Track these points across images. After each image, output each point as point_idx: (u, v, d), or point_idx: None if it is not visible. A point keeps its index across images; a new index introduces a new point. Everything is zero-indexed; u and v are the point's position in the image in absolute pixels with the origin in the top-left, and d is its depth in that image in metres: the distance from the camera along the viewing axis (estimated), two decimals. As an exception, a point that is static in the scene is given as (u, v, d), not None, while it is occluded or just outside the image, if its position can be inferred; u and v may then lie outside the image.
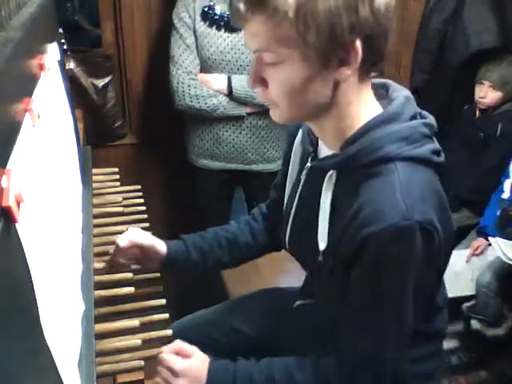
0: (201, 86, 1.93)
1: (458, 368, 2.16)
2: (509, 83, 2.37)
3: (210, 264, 1.24)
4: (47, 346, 0.62)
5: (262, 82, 0.89)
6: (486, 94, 2.39)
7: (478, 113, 2.48)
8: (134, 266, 1.21)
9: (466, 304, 2.17)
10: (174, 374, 1.00)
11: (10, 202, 0.52)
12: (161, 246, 1.19)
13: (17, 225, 0.55)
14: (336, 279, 0.95)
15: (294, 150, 1.10)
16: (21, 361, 0.52)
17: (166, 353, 1.02)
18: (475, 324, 2.13)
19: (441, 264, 0.96)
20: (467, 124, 2.49)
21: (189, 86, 1.93)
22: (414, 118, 0.93)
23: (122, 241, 1.16)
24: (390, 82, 0.99)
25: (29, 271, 0.58)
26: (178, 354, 1.02)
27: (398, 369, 0.96)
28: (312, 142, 1.02)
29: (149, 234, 1.21)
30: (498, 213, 2.23)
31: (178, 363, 1.00)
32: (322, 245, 0.96)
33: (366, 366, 0.93)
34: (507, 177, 2.32)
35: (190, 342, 1.05)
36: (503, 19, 2.45)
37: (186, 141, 2.14)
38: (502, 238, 2.09)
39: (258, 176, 2.09)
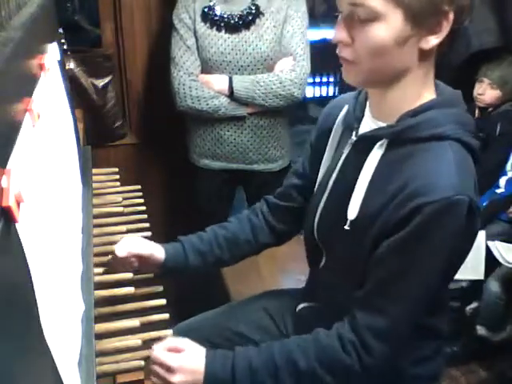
0: (202, 87, 1.93)
1: (457, 366, 2.16)
2: (508, 83, 2.37)
3: (210, 263, 1.24)
4: (47, 346, 0.62)
5: (348, 38, 0.90)
6: (485, 92, 2.38)
7: (477, 113, 2.48)
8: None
9: (470, 307, 2.17)
10: (170, 370, 0.99)
11: (10, 202, 0.52)
12: (159, 253, 1.19)
13: (17, 225, 0.55)
14: (358, 253, 0.95)
15: (334, 129, 1.10)
16: (21, 361, 0.52)
17: (159, 351, 1.01)
18: (481, 330, 2.12)
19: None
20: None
21: (190, 87, 1.93)
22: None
23: (120, 251, 1.15)
24: (438, 81, 1.02)
25: (29, 271, 0.58)
26: (170, 350, 1.01)
27: (401, 367, 0.97)
28: (357, 118, 1.03)
29: (146, 241, 1.20)
30: (485, 203, 2.24)
31: (172, 359, 0.99)
32: (353, 214, 0.96)
33: (376, 337, 0.93)
34: (504, 174, 2.33)
35: None
36: (503, 19, 2.45)
37: (187, 141, 2.14)
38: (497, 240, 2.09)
39: (259, 176, 2.09)
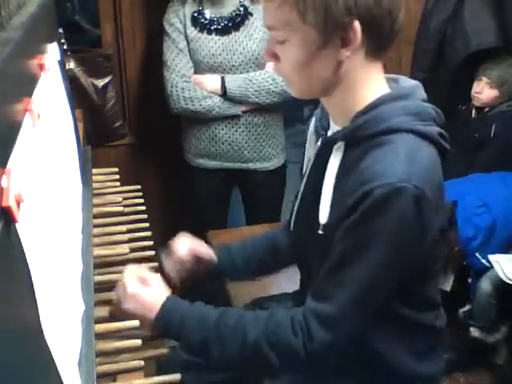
0: (195, 88, 1.94)
1: (457, 366, 2.16)
2: (506, 84, 2.36)
3: (254, 269, 1.27)
4: (47, 345, 0.62)
5: (275, 57, 0.95)
6: (482, 90, 2.38)
7: (474, 113, 2.48)
8: (129, 257, 1.22)
9: (463, 309, 2.17)
10: (125, 295, 1.01)
11: (10, 201, 0.52)
12: (213, 256, 1.22)
13: (17, 225, 0.55)
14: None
15: (308, 139, 1.14)
16: (21, 361, 0.52)
17: (130, 271, 1.03)
18: (474, 332, 2.12)
19: (426, 249, 0.95)
20: (463, 124, 2.49)
21: (183, 88, 1.94)
22: (424, 102, 0.98)
23: (181, 247, 1.19)
24: (400, 76, 1.03)
25: (29, 271, 0.58)
26: (139, 279, 1.03)
27: (404, 363, 0.96)
28: (324, 126, 1.05)
29: (202, 242, 1.23)
30: None
31: (131, 286, 1.01)
32: (323, 218, 0.97)
33: (321, 325, 0.93)
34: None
35: (188, 361, 1.07)
36: (502, 19, 2.45)
37: (182, 140, 2.15)
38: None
39: (255, 175, 2.09)
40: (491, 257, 2.06)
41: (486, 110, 2.43)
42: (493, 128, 2.36)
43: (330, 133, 1.04)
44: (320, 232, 0.98)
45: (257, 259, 1.25)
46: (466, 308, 2.16)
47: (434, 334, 1.09)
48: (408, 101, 0.95)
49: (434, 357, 1.09)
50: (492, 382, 2.14)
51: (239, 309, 1.04)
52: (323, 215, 0.97)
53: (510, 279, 1.96)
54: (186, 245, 1.19)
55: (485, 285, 2.07)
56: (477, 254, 2.09)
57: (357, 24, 0.87)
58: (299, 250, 1.14)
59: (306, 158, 1.15)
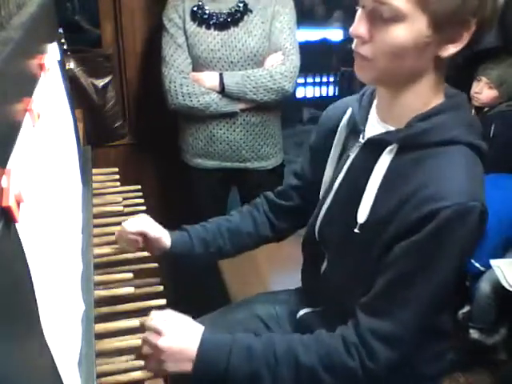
0: (193, 84, 1.94)
1: (457, 366, 2.16)
2: (505, 84, 2.37)
3: (212, 253, 1.24)
4: (47, 345, 0.62)
5: (368, 34, 0.89)
6: (482, 90, 2.38)
7: (473, 113, 2.48)
8: (135, 266, 1.21)
9: (462, 311, 2.17)
10: (160, 333, 0.95)
11: (10, 202, 0.52)
12: (165, 239, 1.20)
13: (17, 225, 0.55)
14: (365, 256, 0.95)
15: (338, 132, 1.10)
16: (21, 361, 0.52)
17: (155, 318, 0.97)
18: (474, 333, 2.12)
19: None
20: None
21: (181, 84, 1.95)
22: None
23: (130, 225, 1.17)
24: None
25: (29, 271, 0.58)
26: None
27: (414, 365, 0.97)
28: (363, 121, 1.03)
29: (156, 224, 1.21)
30: None
31: (164, 325, 0.96)
32: (362, 217, 0.96)
33: (383, 345, 0.91)
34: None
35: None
36: (502, 19, 2.45)
37: (180, 140, 2.15)
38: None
39: (253, 174, 2.09)
40: (493, 261, 2.05)
41: (486, 109, 2.43)
42: (492, 128, 2.36)
43: (369, 129, 1.01)
44: (356, 231, 0.97)
45: (216, 245, 1.24)
46: (465, 310, 2.16)
47: (445, 338, 1.09)
48: (463, 112, 0.96)
49: (441, 359, 1.09)
50: (492, 382, 2.15)
51: (281, 335, 0.99)
52: (362, 215, 0.96)
53: (511, 285, 1.95)
54: (136, 224, 1.18)
55: (484, 286, 2.07)
56: (471, 260, 2.08)
57: (473, 27, 0.86)
58: (321, 248, 1.11)
59: (332, 153, 1.11)
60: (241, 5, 1.93)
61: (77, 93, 1.92)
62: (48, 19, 1.19)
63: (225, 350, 0.95)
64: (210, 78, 1.94)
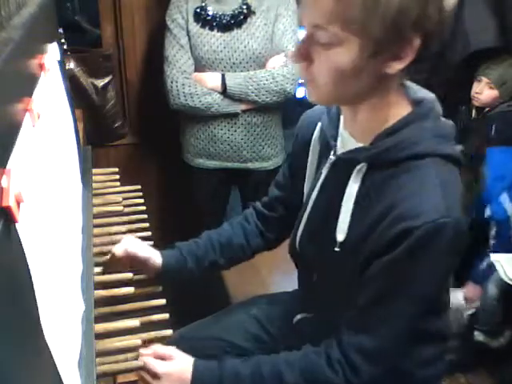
0: (195, 84, 1.95)
1: (457, 366, 2.16)
2: (506, 84, 2.36)
3: (205, 268, 1.23)
4: (47, 346, 0.62)
5: (308, 57, 0.87)
6: (482, 91, 2.38)
7: (474, 113, 2.48)
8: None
9: (468, 313, 2.16)
10: (155, 376, 0.98)
11: (10, 202, 0.52)
12: (156, 258, 1.18)
13: (17, 225, 0.55)
14: (350, 272, 0.94)
15: (311, 146, 1.08)
16: (21, 361, 0.52)
17: (146, 356, 1.00)
18: (478, 336, 2.12)
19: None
20: (463, 125, 2.49)
21: (183, 84, 1.95)
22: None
23: (118, 250, 1.16)
24: (410, 83, 0.98)
25: (29, 271, 0.58)
26: (158, 357, 1.00)
27: (401, 365, 0.97)
28: (333, 135, 1.01)
29: (145, 245, 1.20)
30: None
31: (159, 366, 0.99)
32: (341, 236, 0.96)
33: (366, 360, 0.92)
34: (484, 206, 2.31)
35: None
36: (502, 19, 2.45)
37: (181, 140, 2.15)
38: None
39: (254, 174, 2.10)
40: (493, 256, 2.07)
41: (486, 110, 2.43)
42: (493, 128, 2.36)
43: (340, 144, 0.99)
44: (337, 249, 0.96)
45: (209, 259, 1.23)
46: (471, 312, 2.16)
47: (442, 339, 1.09)
48: (431, 120, 0.92)
49: (441, 361, 1.09)
50: (492, 382, 2.15)
51: (269, 356, 1.01)
52: (341, 233, 0.96)
53: (510, 279, 1.96)
54: (123, 246, 1.16)
55: (491, 288, 2.07)
56: (502, 197, 2.09)
57: (417, 41, 0.82)
58: (306, 262, 1.11)
59: (309, 167, 1.10)
60: (244, 7, 1.93)
61: (77, 93, 1.92)
62: (48, 19, 1.19)
63: (215, 376, 0.98)
64: (212, 79, 1.94)
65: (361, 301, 0.93)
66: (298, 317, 1.18)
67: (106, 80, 2.15)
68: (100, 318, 1.04)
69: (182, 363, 1.01)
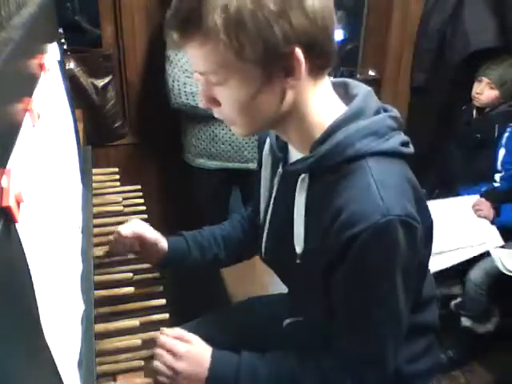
0: (196, 83, 1.94)
1: (454, 363, 2.18)
2: (507, 84, 2.37)
3: (208, 260, 1.24)
4: (47, 346, 0.62)
5: (214, 101, 0.88)
6: (483, 91, 2.38)
7: (475, 113, 2.48)
8: (135, 266, 1.21)
9: (454, 302, 2.18)
10: (176, 356, 0.99)
11: (10, 202, 0.52)
12: (163, 243, 1.19)
13: (17, 225, 0.55)
14: (316, 282, 0.94)
15: (263, 160, 1.09)
16: (21, 361, 0.52)
17: (168, 336, 1.01)
18: (465, 321, 2.14)
19: (422, 256, 0.96)
20: (464, 125, 2.50)
21: (184, 83, 1.94)
22: (377, 112, 0.93)
23: (125, 229, 1.16)
24: (348, 80, 0.98)
25: (29, 271, 0.58)
26: (179, 338, 1.01)
27: (397, 366, 0.97)
28: (281, 147, 1.01)
29: (152, 228, 1.20)
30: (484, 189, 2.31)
31: (180, 346, 1.00)
32: (299, 248, 0.96)
33: (370, 368, 0.94)
34: (497, 171, 2.36)
35: None
36: (502, 19, 2.45)
37: (182, 141, 2.15)
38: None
39: (255, 175, 2.09)
40: (493, 251, 2.09)
41: (487, 110, 2.43)
42: (496, 129, 2.37)
43: (289, 156, 0.99)
44: (298, 261, 0.96)
45: (212, 252, 1.23)
46: (458, 300, 2.18)
47: (430, 332, 1.10)
48: (363, 118, 0.90)
49: (431, 354, 1.10)
50: (492, 382, 2.15)
51: (285, 353, 1.02)
52: (298, 245, 0.96)
53: (508, 270, 1.98)
54: (131, 226, 1.17)
55: (474, 275, 2.09)
56: None
57: (298, 51, 0.80)
58: (276, 271, 1.13)
59: (262, 182, 1.10)
60: None
61: (77, 93, 1.92)
62: (48, 19, 1.19)
63: (233, 374, 0.99)
64: None
65: (340, 317, 0.94)
66: (288, 321, 1.19)
67: (106, 80, 2.15)
68: (100, 318, 1.04)
69: (202, 348, 1.01)
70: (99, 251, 1.20)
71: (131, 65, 2.27)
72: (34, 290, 0.59)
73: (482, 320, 2.13)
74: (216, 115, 0.92)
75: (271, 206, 1.07)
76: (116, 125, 2.26)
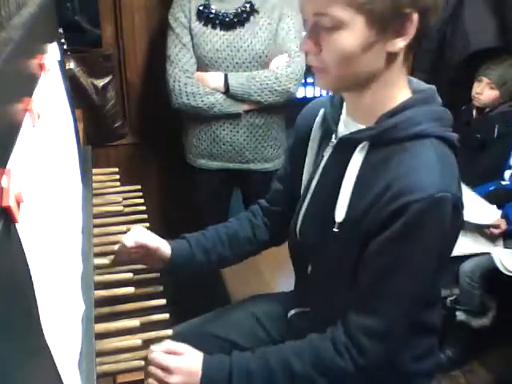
0: (197, 84, 1.94)
1: (453, 363, 2.18)
2: (507, 84, 2.37)
3: (214, 261, 1.24)
4: (47, 345, 0.62)
5: (317, 45, 0.90)
6: (483, 91, 2.39)
7: (475, 113, 2.48)
8: (135, 266, 1.21)
9: (450, 298, 2.19)
10: (168, 371, 0.99)
11: (10, 202, 0.52)
12: (165, 248, 1.19)
13: (17, 225, 0.55)
14: (346, 256, 0.95)
15: (312, 133, 1.10)
16: (21, 361, 0.52)
17: (157, 352, 1.01)
18: (460, 315, 2.15)
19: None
20: (464, 125, 2.50)
21: (185, 84, 1.94)
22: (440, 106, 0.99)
23: (128, 240, 1.16)
24: (411, 78, 1.02)
25: (29, 271, 0.58)
26: (169, 353, 1.02)
27: (399, 355, 0.99)
28: (335, 120, 1.04)
29: (154, 235, 1.20)
30: (492, 188, 2.30)
31: (171, 360, 1.00)
32: (340, 217, 0.97)
33: (378, 339, 0.94)
34: (508, 167, 2.34)
35: None
36: (502, 19, 2.45)
37: (183, 141, 2.15)
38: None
39: (256, 175, 2.09)
40: (492, 249, 2.10)
41: (487, 110, 2.43)
42: (496, 129, 2.37)
43: (342, 128, 1.02)
44: (335, 230, 0.97)
45: (217, 252, 1.23)
46: (453, 297, 2.19)
47: (434, 332, 1.10)
48: (432, 105, 0.96)
49: (433, 355, 1.10)
50: (492, 382, 2.15)
51: (275, 347, 1.03)
52: (340, 214, 0.97)
53: (508, 270, 1.99)
54: (133, 236, 1.17)
55: (466, 266, 2.10)
56: None
57: (416, 16, 0.86)
58: (303, 251, 1.12)
59: (309, 154, 1.11)
60: (247, 5, 1.92)
61: (77, 93, 1.92)
62: (48, 19, 1.19)
63: (225, 377, 0.99)
64: (214, 79, 1.94)
65: (362, 281, 0.94)
66: (293, 311, 1.19)
67: (106, 80, 2.15)
68: (100, 318, 1.04)
69: (192, 358, 1.02)
70: (103, 259, 1.19)
71: (131, 65, 2.27)
72: (33, 290, 0.59)
73: (478, 314, 2.15)
74: (309, 61, 0.94)
75: (318, 175, 1.07)
76: (116, 125, 2.26)
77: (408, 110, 0.93)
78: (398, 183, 0.88)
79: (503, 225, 2.18)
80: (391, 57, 0.90)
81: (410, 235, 0.87)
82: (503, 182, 2.35)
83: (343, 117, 1.02)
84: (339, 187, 0.98)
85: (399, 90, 0.95)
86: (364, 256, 0.93)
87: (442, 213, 0.87)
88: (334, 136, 1.03)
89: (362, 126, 0.97)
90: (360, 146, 0.96)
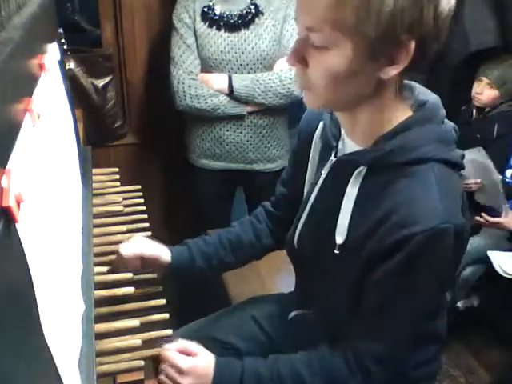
0: (201, 85, 1.94)
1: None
2: (506, 83, 2.37)
3: (215, 266, 1.23)
4: (47, 345, 0.62)
5: (303, 61, 0.85)
6: (483, 91, 2.39)
7: (474, 113, 2.48)
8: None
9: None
10: (180, 372, 1.00)
11: (10, 202, 0.52)
12: (165, 256, 1.19)
13: (17, 225, 0.55)
14: (348, 274, 0.95)
15: (313, 144, 1.07)
16: (21, 361, 0.52)
17: (171, 351, 1.01)
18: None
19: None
20: (464, 125, 2.50)
21: (189, 86, 1.94)
22: (443, 122, 0.94)
23: (125, 251, 1.16)
24: (415, 84, 0.97)
25: (29, 271, 0.58)
26: (182, 352, 1.02)
27: (406, 369, 0.98)
28: (335, 135, 1.00)
29: (153, 243, 1.20)
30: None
31: (183, 361, 1.00)
32: (340, 239, 0.95)
33: (384, 365, 0.94)
34: (509, 167, 2.35)
35: None
36: (502, 19, 2.45)
37: (186, 141, 2.14)
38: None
39: (259, 176, 2.09)
40: (490, 253, 2.10)
41: (487, 110, 2.43)
42: (496, 128, 2.37)
43: (342, 145, 0.98)
44: (336, 252, 0.96)
45: (218, 257, 1.23)
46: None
47: (440, 341, 1.10)
48: (434, 124, 0.91)
49: (436, 362, 1.10)
50: (492, 382, 2.15)
51: (287, 356, 1.02)
52: (340, 236, 0.95)
53: (506, 273, 2.00)
54: (130, 247, 1.17)
55: (470, 272, 2.13)
56: None
57: (413, 45, 0.80)
58: (303, 261, 1.11)
59: (310, 165, 1.08)
60: (252, 7, 1.92)
61: (77, 93, 1.92)
62: (48, 19, 1.19)
63: (236, 382, 1.00)
64: (218, 80, 1.93)
65: (365, 308, 0.93)
66: (293, 313, 1.18)
67: (106, 80, 2.15)
68: (100, 318, 1.04)
69: (204, 360, 1.02)
70: (102, 268, 1.19)
71: (131, 65, 2.27)
72: (33, 290, 0.59)
73: (464, 296, 2.18)
74: (294, 76, 0.91)
75: (315, 193, 1.05)
76: (116, 125, 2.26)
77: (406, 132, 0.89)
78: (400, 212, 0.85)
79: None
80: (382, 83, 0.85)
81: (412, 266, 0.86)
82: (505, 180, 2.36)
83: (343, 132, 0.99)
84: (337, 206, 0.96)
85: (395, 111, 0.90)
86: (368, 280, 0.92)
87: (444, 243, 0.85)
88: (333, 153, 1.00)
89: (359, 148, 0.94)
90: (357, 170, 0.92)
